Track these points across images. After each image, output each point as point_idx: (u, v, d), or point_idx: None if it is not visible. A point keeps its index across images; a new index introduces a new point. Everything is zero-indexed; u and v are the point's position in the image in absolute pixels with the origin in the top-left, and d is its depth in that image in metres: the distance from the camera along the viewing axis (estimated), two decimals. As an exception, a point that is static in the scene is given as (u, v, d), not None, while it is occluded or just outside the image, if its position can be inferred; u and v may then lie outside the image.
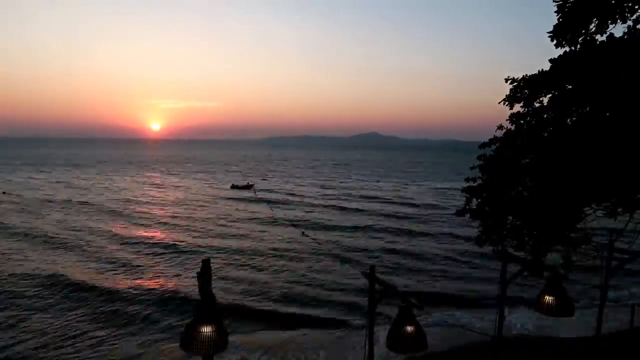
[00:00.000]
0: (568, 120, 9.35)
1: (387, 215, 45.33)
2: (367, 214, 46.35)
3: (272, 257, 28.85)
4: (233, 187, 68.07)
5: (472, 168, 10.77)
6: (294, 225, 38.96)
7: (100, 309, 19.66)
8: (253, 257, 28.79)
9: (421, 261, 28.47)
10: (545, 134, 9.63)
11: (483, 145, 10.52)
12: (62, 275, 23.71)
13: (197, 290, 4.95)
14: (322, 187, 73.28)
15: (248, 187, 67.82)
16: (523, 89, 9.86)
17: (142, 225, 38.85)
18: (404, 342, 5.43)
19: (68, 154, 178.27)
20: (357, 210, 48.67)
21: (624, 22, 8.40)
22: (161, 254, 29.22)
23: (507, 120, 10.21)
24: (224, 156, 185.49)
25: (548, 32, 9.07)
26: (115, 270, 25.41)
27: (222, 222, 41.13)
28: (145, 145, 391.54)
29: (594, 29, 8.62)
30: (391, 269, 26.35)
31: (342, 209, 49.58)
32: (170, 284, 23.09)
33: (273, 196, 59.22)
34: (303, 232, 35.93)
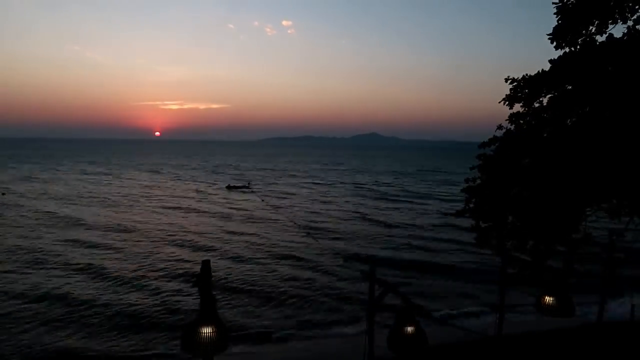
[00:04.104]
0: (568, 121, 9.36)
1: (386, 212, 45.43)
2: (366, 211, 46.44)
3: (271, 256, 28.87)
4: (229, 187, 68.46)
5: (471, 168, 10.78)
6: (294, 224, 39.03)
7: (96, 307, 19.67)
8: (251, 256, 28.79)
9: (420, 260, 28.52)
10: (545, 134, 9.64)
11: (483, 145, 10.53)
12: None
13: (197, 291, 4.97)
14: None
15: (244, 187, 68.74)
16: (523, 89, 9.89)
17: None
18: (405, 343, 5.43)
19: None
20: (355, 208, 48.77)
21: (624, 22, 8.42)
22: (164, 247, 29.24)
23: (506, 120, 10.23)
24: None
25: (548, 34, 9.09)
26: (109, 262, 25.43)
27: (220, 221, 41.16)
28: (150, 145, 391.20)
29: (593, 29, 8.64)
30: (391, 268, 26.37)
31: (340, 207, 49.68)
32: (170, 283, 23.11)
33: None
34: (309, 233, 35.87)
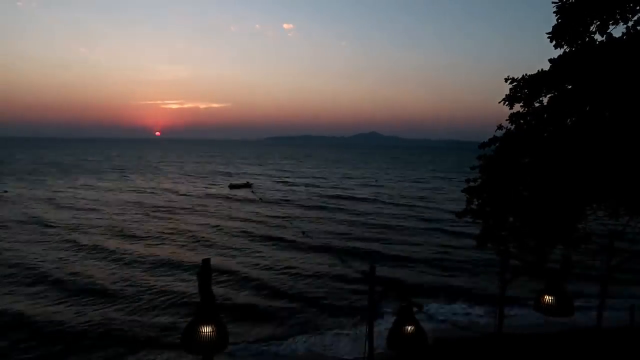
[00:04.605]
0: (568, 121, 9.36)
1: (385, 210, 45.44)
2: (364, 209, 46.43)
3: (270, 255, 28.89)
4: (231, 186, 69.06)
5: (472, 168, 10.78)
6: (292, 223, 39.03)
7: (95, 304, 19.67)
8: (251, 255, 28.81)
9: (419, 258, 28.55)
10: (545, 134, 9.64)
11: (483, 145, 10.53)
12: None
13: (197, 290, 4.96)
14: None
15: (246, 186, 69.49)
16: (523, 89, 9.88)
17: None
18: (405, 342, 5.44)
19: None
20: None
21: (625, 22, 8.41)
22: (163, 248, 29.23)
23: (506, 120, 10.22)
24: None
25: (547, 33, 9.08)
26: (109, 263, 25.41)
27: (221, 220, 41.16)
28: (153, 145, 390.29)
29: (594, 29, 8.63)
30: (391, 267, 26.39)
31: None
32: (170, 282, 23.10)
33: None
34: (304, 232, 35.92)
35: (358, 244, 32.86)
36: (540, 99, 9.77)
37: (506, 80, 10.02)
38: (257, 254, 29.47)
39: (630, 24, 8.33)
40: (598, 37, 8.77)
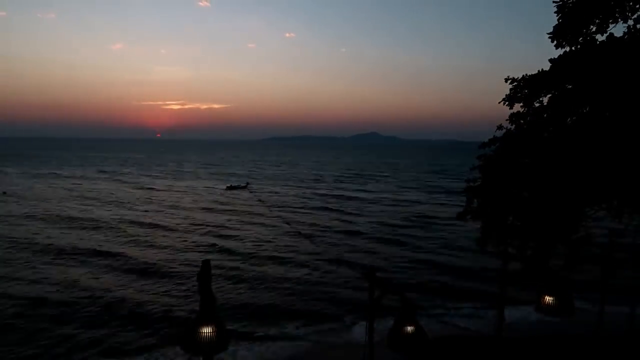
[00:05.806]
0: (568, 120, 9.35)
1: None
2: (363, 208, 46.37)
3: (270, 256, 28.84)
4: (229, 188, 69.08)
5: (472, 169, 10.76)
6: (290, 224, 39.03)
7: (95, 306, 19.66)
8: (251, 256, 28.78)
9: (421, 259, 28.50)
10: (545, 134, 9.62)
11: (483, 145, 10.51)
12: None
13: (197, 290, 4.95)
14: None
15: (243, 187, 69.75)
16: (523, 89, 9.86)
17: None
18: (405, 342, 5.43)
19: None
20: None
21: (625, 21, 8.40)
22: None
23: (506, 120, 10.20)
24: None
25: (548, 33, 9.07)
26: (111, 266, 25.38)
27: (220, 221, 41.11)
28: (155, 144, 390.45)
29: (594, 28, 8.63)
30: (391, 267, 26.35)
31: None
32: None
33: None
34: (300, 232, 35.94)
35: (359, 244, 32.89)
36: (540, 99, 9.75)
37: (506, 80, 10.00)
38: (261, 254, 29.47)
39: (630, 23, 8.32)
40: (599, 37, 8.77)
